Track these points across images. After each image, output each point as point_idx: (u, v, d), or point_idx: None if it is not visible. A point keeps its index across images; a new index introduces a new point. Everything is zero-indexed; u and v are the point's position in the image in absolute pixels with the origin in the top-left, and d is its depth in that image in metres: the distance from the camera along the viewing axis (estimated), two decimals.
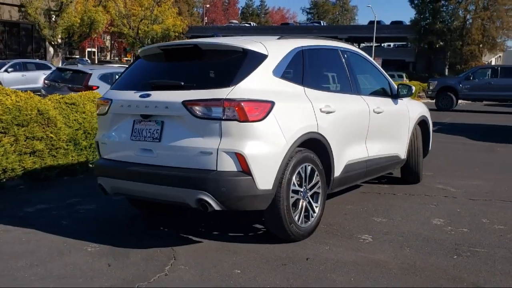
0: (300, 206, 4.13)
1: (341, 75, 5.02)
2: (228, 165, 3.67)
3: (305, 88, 4.30)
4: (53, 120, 6.52)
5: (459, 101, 21.64)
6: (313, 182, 4.26)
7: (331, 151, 4.44)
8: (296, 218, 4.07)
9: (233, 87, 3.73)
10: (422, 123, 6.43)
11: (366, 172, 5.20)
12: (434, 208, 5.24)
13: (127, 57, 75.11)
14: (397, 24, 59.22)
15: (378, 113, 5.28)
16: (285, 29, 62.21)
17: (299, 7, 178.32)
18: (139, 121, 4.04)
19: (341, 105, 4.65)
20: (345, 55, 5.12)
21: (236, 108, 3.64)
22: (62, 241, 4.19)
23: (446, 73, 50.27)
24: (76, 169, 6.87)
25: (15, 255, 3.84)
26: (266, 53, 4.06)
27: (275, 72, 4.07)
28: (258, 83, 3.87)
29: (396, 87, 5.82)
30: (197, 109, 3.71)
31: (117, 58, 77.84)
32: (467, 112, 20.19)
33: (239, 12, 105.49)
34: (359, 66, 5.38)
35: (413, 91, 5.77)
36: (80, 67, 14.19)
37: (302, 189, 4.14)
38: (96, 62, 65.12)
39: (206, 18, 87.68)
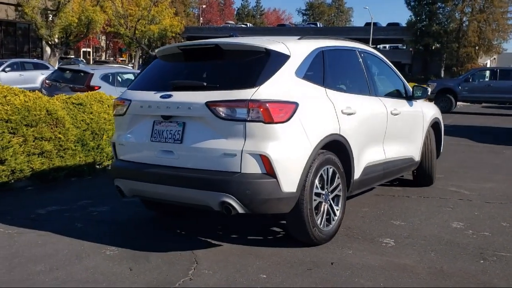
0: (322, 209, 4.06)
1: (359, 76, 4.96)
2: (252, 167, 3.59)
3: (326, 89, 4.24)
4: (62, 120, 6.42)
5: (458, 103, 21.67)
6: (334, 184, 4.19)
7: (352, 153, 4.38)
8: (319, 221, 4.01)
9: (257, 88, 3.66)
10: (435, 125, 6.39)
11: (384, 175, 5.14)
12: (451, 211, 5.19)
13: (122, 57, 74.86)
14: (393, 25, 59.35)
15: (395, 115, 5.23)
16: (281, 30, 62.21)
17: (294, 8, 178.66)
18: (160, 122, 3.96)
19: (360, 106, 4.59)
20: (362, 56, 5.06)
21: (261, 110, 3.57)
22: (79, 244, 4.10)
23: (442, 75, 50.41)
24: (83, 170, 6.78)
25: (33, 259, 3.75)
26: (289, 54, 3.99)
27: (298, 73, 4.00)
28: (281, 84, 3.80)
29: (410, 88, 5.78)
30: (221, 110, 3.64)
31: (112, 58, 77.48)
32: (466, 114, 20.20)
33: (235, 13, 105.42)
34: (375, 67, 5.33)
35: (428, 93, 5.72)
36: (81, 67, 14.04)
37: (324, 192, 4.08)
38: (91, 62, 64.79)
39: (201, 18, 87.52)
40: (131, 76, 13.68)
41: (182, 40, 65.46)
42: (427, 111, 6.14)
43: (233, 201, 3.59)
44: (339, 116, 4.20)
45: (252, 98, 3.59)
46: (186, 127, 3.83)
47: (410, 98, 5.74)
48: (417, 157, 5.92)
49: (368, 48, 5.37)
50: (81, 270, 3.54)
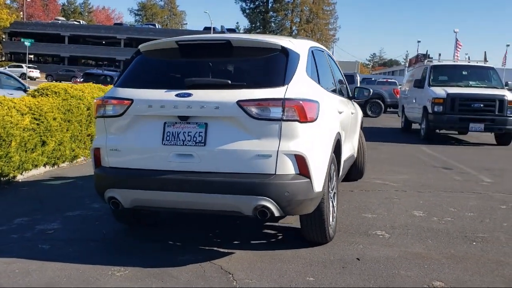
0: (331, 207, 4.10)
1: (330, 77, 5.10)
2: (287, 168, 3.47)
3: (323, 89, 4.29)
4: None
5: None
6: (334, 182, 4.27)
7: (342, 151, 4.51)
8: (330, 219, 4.04)
9: (286, 86, 3.55)
10: (361, 124, 6.89)
11: (344, 171, 5.38)
12: (400, 201, 5.66)
13: None
14: (231, 31, 61.45)
15: (352, 113, 5.53)
16: (119, 29, 59.81)
17: (125, 8, 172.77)
18: (173, 124, 3.56)
19: (341, 105, 4.75)
20: (328, 56, 5.24)
21: (297, 108, 3.46)
22: (73, 268, 3.48)
23: None
24: None
25: None
26: (299, 52, 3.94)
27: (307, 71, 3.98)
28: (303, 83, 3.74)
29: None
30: (254, 109, 3.43)
31: None
32: None
33: (60, 9, 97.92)
34: (335, 68, 5.54)
35: (370, 94, 6.14)
36: None
37: (331, 190, 4.13)
38: None
39: (23, 13, 79.31)
40: None
41: (3, 36, 58.58)
42: (359, 110, 6.59)
43: (270, 204, 3.41)
44: (337, 115, 4.29)
45: (286, 96, 3.46)
46: (208, 128, 3.51)
47: (351, 98, 6.09)
48: (355, 153, 6.31)
49: (326, 49, 5.55)
50: None
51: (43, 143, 6.69)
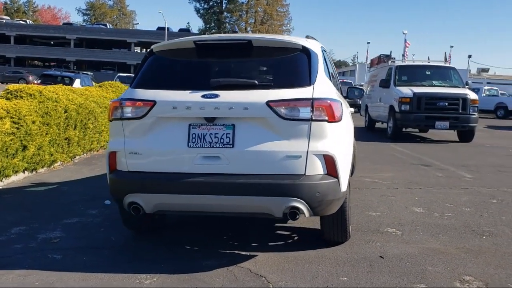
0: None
1: (335, 76, 5.12)
2: (316, 168, 3.43)
3: (335, 88, 4.29)
4: None
5: None
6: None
7: (355, 149, 4.53)
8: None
9: (312, 86, 3.52)
10: None
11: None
12: (396, 199, 5.75)
13: None
14: (185, 31, 60.81)
15: (350, 112, 5.56)
16: (68, 29, 57.86)
17: (71, 7, 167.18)
18: (199, 125, 3.45)
19: (347, 105, 4.78)
20: (327, 54, 5.25)
21: (326, 108, 3.44)
22: (96, 278, 3.31)
23: None
24: None
25: None
26: (317, 52, 3.91)
27: (325, 71, 3.97)
28: (325, 83, 3.72)
29: None
30: (283, 109, 3.38)
31: None
32: None
33: (2, 7, 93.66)
34: (334, 67, 5.56)
35: (364, 94, 6.20)
36: None
37: None
38: None
39: None
40: None
41: None
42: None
43: (302, 205, 3.37)
44: (350, 114, 4.31)
45: (315, 96, 3.44)
46: (236, 129, 3.43)
47: (345, 97, 6.13)
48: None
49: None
50: None
51: (24, 148, 6.36)
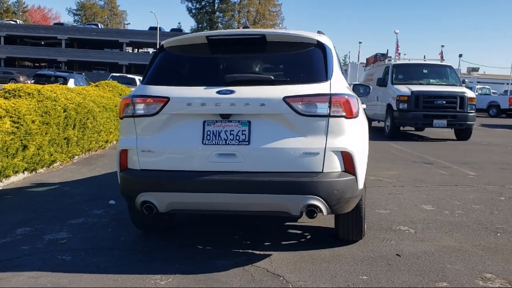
0: None
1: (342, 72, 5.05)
2: (334, 165, 3.36)
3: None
4: None
5: None
6: None
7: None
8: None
9: (329, 81, 3.45)
10: None
11: None
12: (404, 197, 5.70)
13: None
14: (176, 31, 60.58)
15: None
16: (59, 29, 57.40)
17: (62, 7, 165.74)
18: (214, 122, 3.37)
19: None
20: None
21: (343, 104, 3.37)
22: (110, 279, 3.21)
23: None
24: None
25: None
26: (330, 47, 3.84)
27: (339, 66, 3.91)
28: (339, 78, 3.66)
29: None
30: (301, 105, 3.31)
31: None
32: None
33: None
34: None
35: (369, 91, 6.13)
36: None
37: None
38: None
39: None
40: None
41: None
42: None
43: (320, 203, 3.29)
44: (363, 110, 4.25)
45: (332, 92, 3.37)
46: (252, 126, 3.35)
47: None
48: None
49: None
50: None
51: (24, 148, 6.23)
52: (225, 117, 3.36)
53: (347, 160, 3.39)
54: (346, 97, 3.41)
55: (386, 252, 3.79)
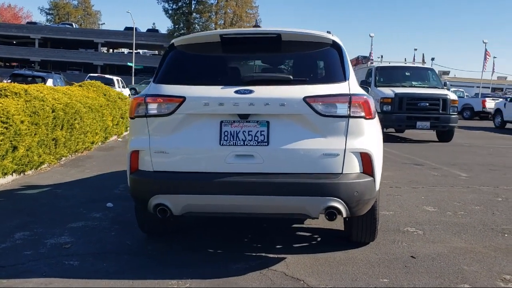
0: None
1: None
2: (353, 166, 3.32)
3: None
4: None
5: None
6: None
7: None
8: None
9: (347, 81, 3.41)
10: None
11: None
12: (405, 197, 5.71)
13: None
14: (153, 32, 60.02)
15: None
16: (32, 29, 56.11)
17: (34, 6, 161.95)
18: (231, 122, 3.28)
19: None
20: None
21: (362, 104, 3.33)
22: (125, 285, 3.09)
23: None
24: None
25: None
26: (343, 47, 3.80)
27: (351, 67, 3.86)
28: (354, 78, 3.62)
29: None
30: (321, 106, 3.25)
31: None
32: None
33: None
34: None
35: (368, 92, 6.13)
36: None
37: None
38: None
39: None
40: None
41: None
42: None
43: (340, 205, 3.24)
44: None
45: (351, 92, 3.32)
46: (271, 126, 3.27)
47: None
48: None
49: None
50: None
51: (14, 149, 6.01)
52: (244, 117, 3.28)
53: (366, 161, 3.35)
54: (365, 97, 3.37)
55: (400, 254, 3.76)
